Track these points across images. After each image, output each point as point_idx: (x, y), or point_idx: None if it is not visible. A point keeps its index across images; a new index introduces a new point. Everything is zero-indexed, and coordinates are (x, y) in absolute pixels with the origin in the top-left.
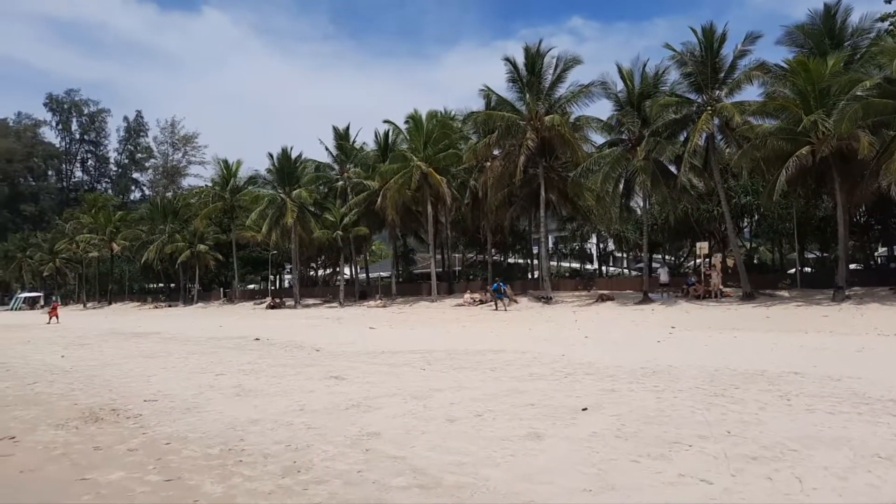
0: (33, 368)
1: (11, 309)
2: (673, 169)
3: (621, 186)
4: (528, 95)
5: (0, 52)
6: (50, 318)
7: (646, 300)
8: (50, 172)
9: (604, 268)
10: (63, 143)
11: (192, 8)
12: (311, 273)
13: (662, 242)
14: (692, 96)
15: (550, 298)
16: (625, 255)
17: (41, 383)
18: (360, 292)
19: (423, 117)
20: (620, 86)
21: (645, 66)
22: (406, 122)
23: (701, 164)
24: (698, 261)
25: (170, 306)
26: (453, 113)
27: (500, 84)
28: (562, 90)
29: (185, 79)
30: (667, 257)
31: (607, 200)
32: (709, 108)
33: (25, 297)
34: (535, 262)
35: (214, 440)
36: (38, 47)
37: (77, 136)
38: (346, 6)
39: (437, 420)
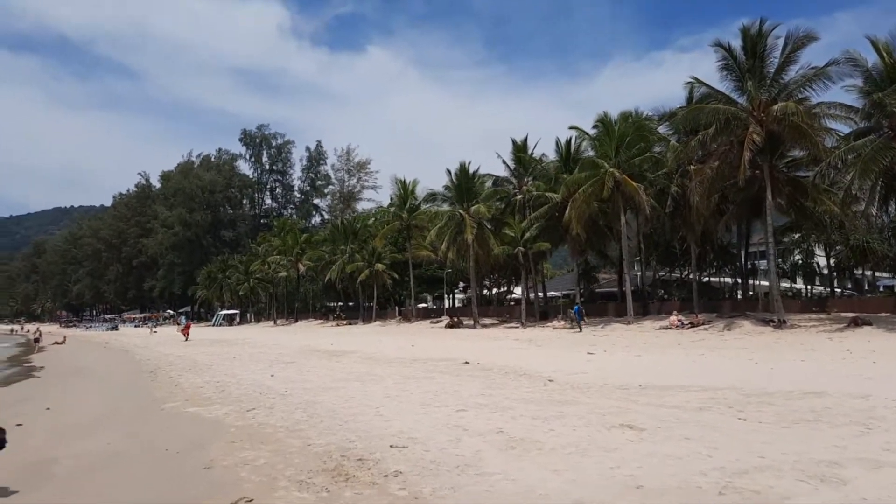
0: (247, 390)
1: (213, 325)
2: None
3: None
4: (749, 83)
5: (205, 105)
6: (185, 337)
7: None
8: (245, 201)
9: (836, 288)
10: (255, 174)
11: (358, 48)
12: (485, 292)
13: None
14: None
15: (784, 322)
16: (864, 272)
17: (260, 410)
18: (540, 312)
19: (614, 119)
20: (871, 61)
21: None
22: (595, 125)
23: None
24: None
25: (350, 324)
26: (646, 113)
27: (667, 92)
28: (790, 74)
29: (354, 111)
30: None
31: (862, 202)
32: None
33: (225, 315)
34: (750, 280)
35: None
36: (231, 96)
37: (267, 167)
38: (498, 33)
39: None
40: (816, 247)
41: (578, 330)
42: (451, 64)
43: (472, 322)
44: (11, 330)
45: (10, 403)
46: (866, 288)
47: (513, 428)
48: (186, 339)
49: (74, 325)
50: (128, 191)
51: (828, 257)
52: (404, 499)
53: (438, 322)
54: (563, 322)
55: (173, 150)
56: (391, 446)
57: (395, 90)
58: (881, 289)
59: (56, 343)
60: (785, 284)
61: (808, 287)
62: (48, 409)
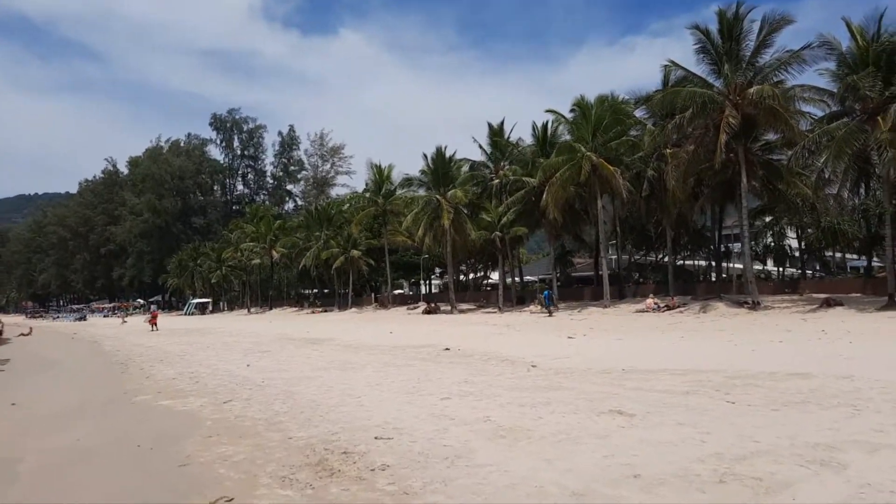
0: (222, 381)
1: (185, 314)
2: None
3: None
4: (725, 66)
5: (174, 88)
6: (152, 326)
7: (892, 304)
8: (216, 187)
9: (807, 270)
10: (226, 160)
11: (331, 30)
12: (461, 277)
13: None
14: None
15: (758, 304)
16: (834, 254)
17: (237, 402)
18: (517, 297)
19: (591, 103)
20: (846, 45)
21: (882, 17)
22: (571, 109)
23: None
24: None
25: (325, 311)
26: (622, 97)
27: (640, 77)
28: (766, 57)
29: (327, 95)
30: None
31: (834, 185)
32: None
33: (196, 303)
34: (723, 263)
35: None
36: (201, 79)
37: (238, 153)
38: (472, 17)
39: None
40: (788, 229)
41: (549, 314)
42: (425, 48)
43: (449, 308)
44: None
45: None
46: (833, 269)
47: (500, 416)
48: (154, 329)
49: (41, 316)
50: (94, 177)
51: (799, 240)
52: (394, 494)
53: (415, 308)
54: (538, 307)
55: (141, 135)
56: (376, 438)
57: (369, 74)
58: (847, 270)
59: (22, 335)
60: (757, 267)
61: (780, 269)
62: (13, 404)
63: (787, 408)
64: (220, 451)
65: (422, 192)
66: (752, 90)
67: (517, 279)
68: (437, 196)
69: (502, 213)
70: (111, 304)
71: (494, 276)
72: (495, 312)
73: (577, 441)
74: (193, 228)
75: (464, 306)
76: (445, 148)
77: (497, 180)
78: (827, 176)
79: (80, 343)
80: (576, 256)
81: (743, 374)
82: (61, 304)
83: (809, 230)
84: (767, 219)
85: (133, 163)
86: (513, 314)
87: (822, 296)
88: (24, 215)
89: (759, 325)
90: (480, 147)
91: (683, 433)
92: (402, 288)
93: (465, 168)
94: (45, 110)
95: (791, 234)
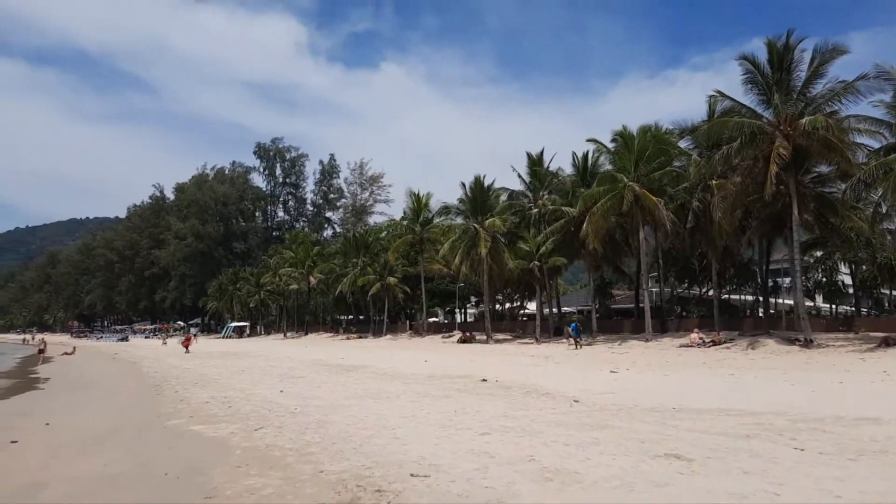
0: (255, 407)
1: (223, 337)
2: None
3: None
4: (776, 96)
5: (221, 118)
6: (185, 349)
7: None
8: (257, 213)
9: (862, 307)
10: (269, 187)
11: (373, 65)
12: (497, 307)
13: None
14: None
15: (811, 341)
16: (890, 292)
17: (268, 429)
18: (554, 328)
19: (634, 132)
20: None
21: None
22: (613, 139)
23: None
24: None
25: (360, 337)
26: (665, 127)
27: (681, 111)
28: (818, 88)
29: (367, 126)
30: None
31: (892, 219)
32: None
33: (234, 327)
34: (773, 299)
35: None
36: (247, 110)
37: (280, 180)
38: (511, 50)
39: None
40: (841, 264)
41: (577, 347)
42: (465, 81)
43: (484, 337)
44: (24, 340)
45: (9, 417)
46: (888, 307)
47: (545, 455)
48: (186, 352)
49: (85, 336)
50: (142, 202)
51: (853, 276)
52: None
53: (450, 337)
54: (569, 339)
55: (188, 163)
56: (412, 475)
57: (409, 107)
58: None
59: (65, 353)
60: (807, 303)
61: (833, 306)
62: (48, 424)
63: (864, 457)
64: (248, 484)
65: (459, 220)
66: (804, 121)
67: (554, 310)
68: (475, 224)
69: (541, 242)
70: (152, 326)
71: (531, 307)
72: (532, 343)
73: (632, 488)
74: (234, 253)
75: (499, 336)
76: (484, 177)
77: (536, 210)
78: (884, 210)
79: (120, 363)
80: (614, 288)
81: (807, 417)
82: (105, 324)
83: (864, 266)
84: (818, 253)
85: (179, 189)
86: (550, 346)
87: (880, 335)
88: (75, 238)
89: (815, 365)
90: (519, 176)
91: (752, 484)
92: (437, 316)
93: (504, 197)
94: (98, 139)
95: (844, 269)
